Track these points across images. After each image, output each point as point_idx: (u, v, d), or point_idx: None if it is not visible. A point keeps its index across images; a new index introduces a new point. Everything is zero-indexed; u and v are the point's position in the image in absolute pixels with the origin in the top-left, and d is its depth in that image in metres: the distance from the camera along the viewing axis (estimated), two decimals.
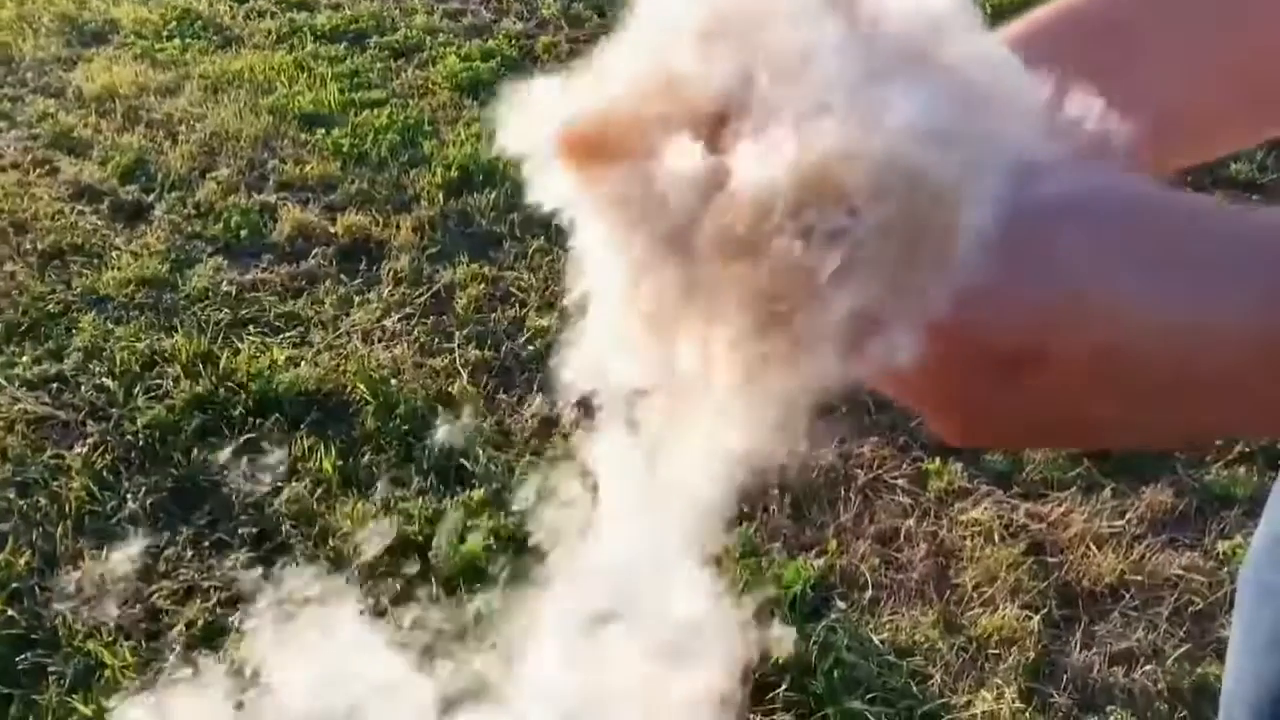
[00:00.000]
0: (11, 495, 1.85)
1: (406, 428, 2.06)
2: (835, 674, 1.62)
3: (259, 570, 1.74)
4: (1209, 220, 0.38)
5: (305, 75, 3.48)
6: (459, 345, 2.35)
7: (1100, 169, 0.38)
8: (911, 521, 1.97)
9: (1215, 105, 0.52)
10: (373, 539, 1.79)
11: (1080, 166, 0.38)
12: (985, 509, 2.00)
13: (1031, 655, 1.72)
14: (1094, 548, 1.92)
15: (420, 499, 1.90)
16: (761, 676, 1.60)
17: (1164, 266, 0.36)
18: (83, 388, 2.10)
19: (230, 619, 1.65)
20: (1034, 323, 0.35)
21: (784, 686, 1.58)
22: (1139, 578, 1.87)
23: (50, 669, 1.56)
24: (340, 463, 1.95)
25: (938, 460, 2.10)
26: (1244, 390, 0.36)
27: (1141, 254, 0.36)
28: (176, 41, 3.68)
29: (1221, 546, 1.91)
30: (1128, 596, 1.83)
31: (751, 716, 1.54)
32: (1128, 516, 1.99)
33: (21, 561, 1.72)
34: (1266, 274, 0.35)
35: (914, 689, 1.62)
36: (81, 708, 1.50)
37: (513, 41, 3.70)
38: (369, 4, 4.09)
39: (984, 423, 0.39)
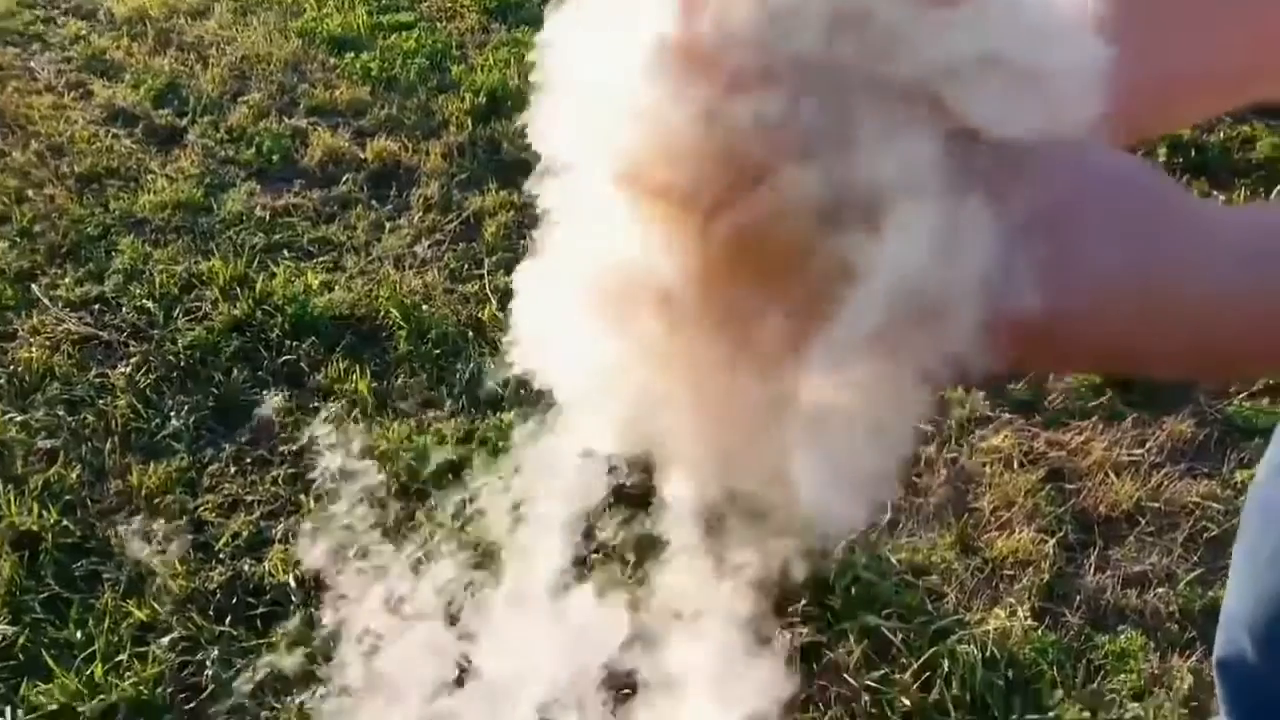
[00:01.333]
0: (60, 413, 1.93)
1: (438, 352, 2.12)
2: (853, 591, 1.68)
3: (299, 486, 1.82)
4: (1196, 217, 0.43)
5: None
6: (489, 271, 2.39)
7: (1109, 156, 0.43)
8: (932, 448, 2.02)
9: None
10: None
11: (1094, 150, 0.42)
12: (1006, 437, 2.04)
13: (1046, 577, 1.77)
14: (1112, 475, 1.96)
15: (452, 420, 1.97)
16: (782, 592, 1.67)
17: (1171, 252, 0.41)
18: (124, 309, 2.17)
19: (273, 531, 1.74)
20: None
21: (803, 602, 1.65)
22: (1156, 504, 1.91)
23: (105, 576, 1.66)
24: (375, 385, 2.01)
25: (960, 389, 2.14)
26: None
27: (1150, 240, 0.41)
28: None
29: (1240, 476, 1.94)
30: (1143, 522, 1.88)
31: (773, 627, 1.61)
32: (1148, 445, 2.03)
33: (73, 475, 1.81)
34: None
35: (929, 606, 1.68)
36: (136, 612, 1.59)
37: None
38: None
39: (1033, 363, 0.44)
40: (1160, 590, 1.76)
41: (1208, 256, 0.41)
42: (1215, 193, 2.79)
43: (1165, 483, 1.95)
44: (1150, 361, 0.44)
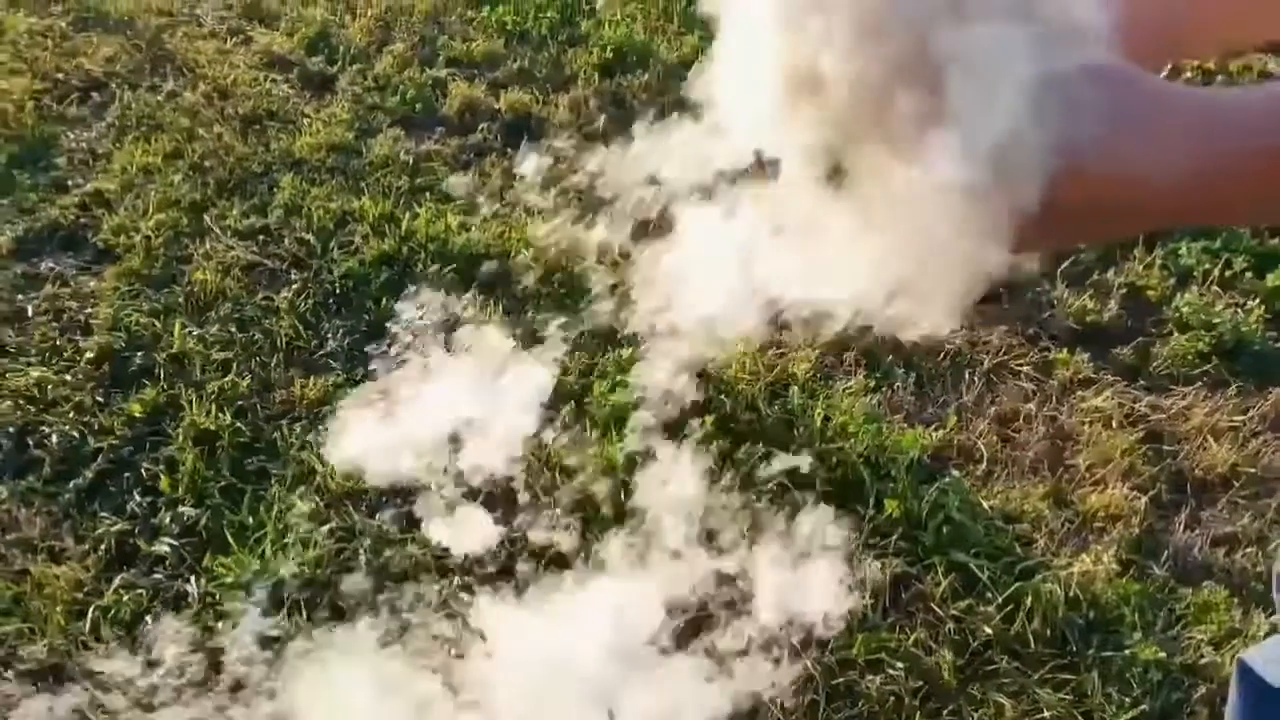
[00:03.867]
0: (232, 330, 2.19)
1: (564, 291, 2.31)
2: (944, 530, 1.82)
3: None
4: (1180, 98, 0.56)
5: None
6: (610, 219, 2.56)
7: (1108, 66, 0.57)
8: (1032, 406, 2.13)
9: None
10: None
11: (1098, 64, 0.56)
12: (1107, 398, 2.13)
13: (1135, 531, 1.87)
14: (1211, 439, 2.04)
15: (577, 354, 2.16)
16: (875, 526, 1.82)
17: (1158, 130, 0.55)
18: (285, 240, 2.43)
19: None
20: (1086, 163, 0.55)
21: (895, 536, 1.80)
22: (1252, 470, 1.99)
23: (273, 472, 1.91)
24: (508, 316, 2.22)
25: (1065, 350, 2.23)
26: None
27: (1145, 123, 0.55)
28: None
29: None
30: (1238, 486, 1.96)
31: (865, 557, 1.76)
32: (1250, 413, 2.10)
33: (244, 384, 2.07)
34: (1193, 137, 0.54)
35: (1018, 549, 1.81)
36: (300, 503, 1.84)
37: None
38: None
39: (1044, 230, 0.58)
40: (1249, 550, 1.85)
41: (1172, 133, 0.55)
42: None
43: (1264, 450, 2.02)
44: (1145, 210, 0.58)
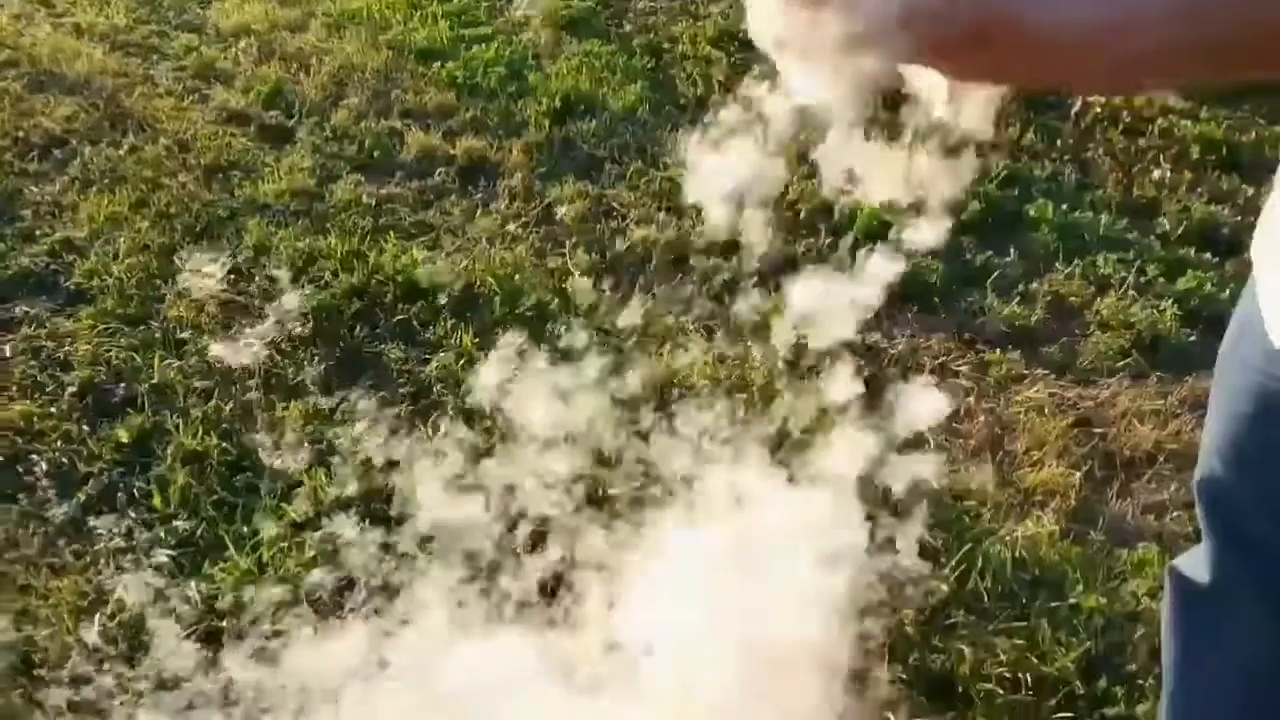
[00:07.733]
0: (210, 360, 2.33)
1: (531, 314, 2.49)
2: (897, 508, 2.01)
3: (417, 420, 2.19)
4: None
5: (418, 14, 3.91)
6: (570, 249, 2.77)
7: None
8: (972, 399, 2.35)
9: None
10: None
11: None
12: (1039, 390, 2.36)
13: (1073, 502, 2.09)
14: (1136, 422, 2.28)
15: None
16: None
17: None
18: (256, 278, 2.58)
19: (397, 454, 2.11)
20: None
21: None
22: (1175, 447, 2.22)
23: (261, 487, 2.03)
24: (477, 339, 2.39)
25: (998, 351, 2.47)
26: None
27: None
28: None
29: None
30: (1162, 460, 2.19)
31: None
32: (1169, 398, 2.34)
33: (227, 408, 2.20)
34: None
35: (965, 520, 2.01)
36: (290, 510, 1.97)
37: None
38: None
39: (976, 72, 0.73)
40: (1177, 514, 2.07)
41: None
42: (1246, 188, 3.10)
43: (1184, 429, 2.26)
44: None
